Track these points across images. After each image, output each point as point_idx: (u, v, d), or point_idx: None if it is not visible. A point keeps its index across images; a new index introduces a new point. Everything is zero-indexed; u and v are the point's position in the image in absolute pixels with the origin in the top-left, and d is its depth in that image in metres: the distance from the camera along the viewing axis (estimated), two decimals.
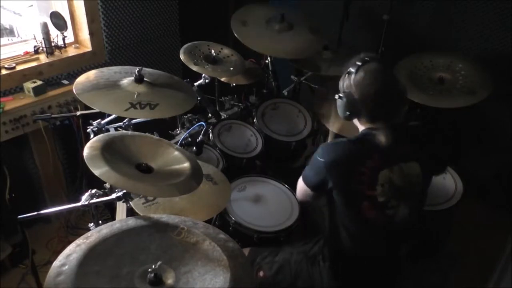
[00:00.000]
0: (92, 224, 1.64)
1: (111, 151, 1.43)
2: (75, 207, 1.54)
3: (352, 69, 1.48)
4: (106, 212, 2.39)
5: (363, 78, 1.45)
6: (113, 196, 1.54)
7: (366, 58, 1.48)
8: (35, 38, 2.41)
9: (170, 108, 1.78)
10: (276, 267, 1.67)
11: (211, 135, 2.30)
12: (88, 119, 2.05)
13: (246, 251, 1.77)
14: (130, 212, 1.69)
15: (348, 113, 1.52)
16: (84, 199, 1.54)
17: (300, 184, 1.63)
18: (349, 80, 1.49)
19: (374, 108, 1.46)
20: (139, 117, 1.79)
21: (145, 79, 1.80)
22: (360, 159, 1.45)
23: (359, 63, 1.47)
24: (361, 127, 1.55)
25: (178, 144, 1.96)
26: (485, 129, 2.81)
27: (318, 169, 1.50)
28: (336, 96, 1.53)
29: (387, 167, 1.45)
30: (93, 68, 2.03)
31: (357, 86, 1.46)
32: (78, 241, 1.21)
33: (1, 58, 2.30)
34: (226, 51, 2.44)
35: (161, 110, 1.72)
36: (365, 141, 1.49)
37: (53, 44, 2.44)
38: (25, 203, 2.41)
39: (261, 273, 1.67)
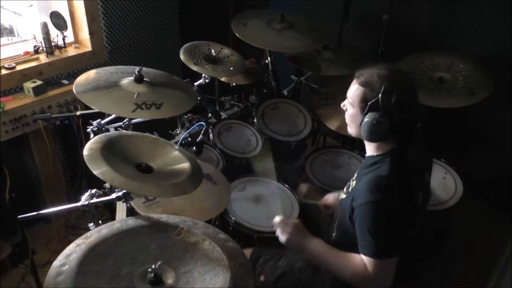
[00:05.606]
0: (92, 224, 1.64)
1: (111, 151, 1.43)
2: (75, 207, 1.53)
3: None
4: (106, 212, 2.39)
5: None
6: (113, 196, 1.53)
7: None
8: (35, 38, 2.41)
9: (174, 107, 1.79)
10: (278, 273, 1.64)
11: (211, 135, 2.30)
12: (88, 119, 2.04)
13: (248, 251, 1.75)
14: (130, 212, 1.68)
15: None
16: (84, 199, 1.54)
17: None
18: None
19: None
20: (146, 118, 1.79)
21: (145, 79, 1.80)
22: None
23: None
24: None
25: (178, 144, 1.96)
26: (485, 129, 2.81)
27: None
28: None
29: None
30: (93, 68, 2.02)
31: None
32: (78, 241, 1.21)
33: (1, 58, 2.30)
34: (226, 51, 2.44)
35: (167, 110, 1.73)
36: None
37: (53, 44, 2.44)
38: (25, 203, 2.41)
39: (262, 277, 1.64)
